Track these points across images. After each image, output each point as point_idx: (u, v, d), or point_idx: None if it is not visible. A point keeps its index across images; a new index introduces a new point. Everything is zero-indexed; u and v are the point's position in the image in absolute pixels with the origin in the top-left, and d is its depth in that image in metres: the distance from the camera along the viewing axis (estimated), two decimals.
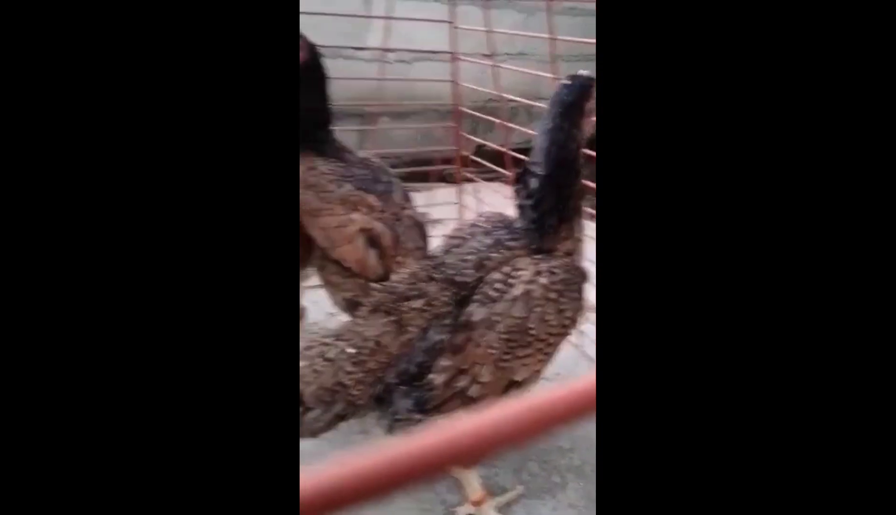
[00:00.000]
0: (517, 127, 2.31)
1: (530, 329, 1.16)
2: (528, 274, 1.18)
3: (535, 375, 1.23)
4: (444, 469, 0.29)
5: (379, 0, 3.07)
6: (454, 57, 2.46)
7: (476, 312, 1.17)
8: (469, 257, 1.23)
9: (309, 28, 1.59)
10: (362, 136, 2.94)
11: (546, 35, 1.96)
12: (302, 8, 2.10)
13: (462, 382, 1.16)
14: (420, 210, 1.76)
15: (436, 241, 1.54)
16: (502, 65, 2.32)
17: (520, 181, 1.28)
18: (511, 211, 1.34)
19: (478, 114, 2.47)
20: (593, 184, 1.27)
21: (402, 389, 1.16)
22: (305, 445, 1.33)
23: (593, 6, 0.76)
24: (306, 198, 1.55)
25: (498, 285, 1.18)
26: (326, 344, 1.17)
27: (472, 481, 1.31)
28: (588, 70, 1.24)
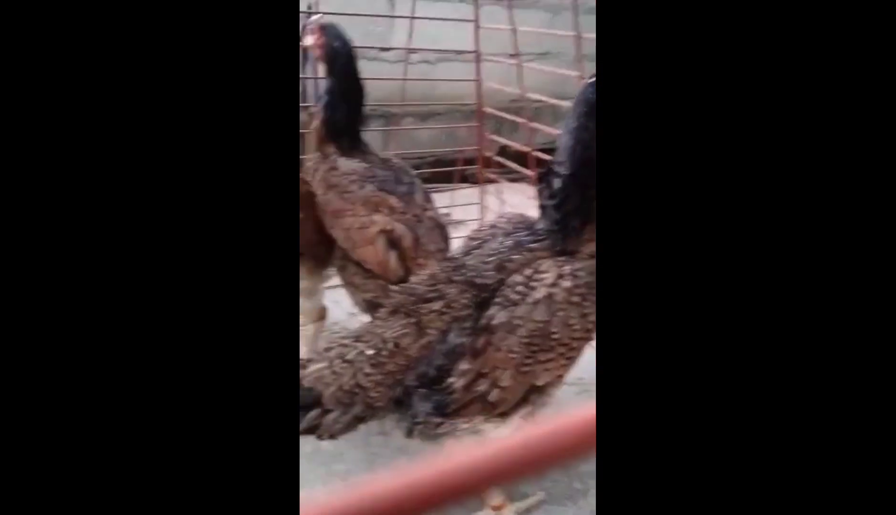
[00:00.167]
0: (541, 126, 2.28)
1: (553, 333, 1.13)
2: (550, 276, 1.15)
3: (557, 380, 1.20)
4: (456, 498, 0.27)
5: (404, 1, 3.07)
6: (478, 57, 2.44)
7: (497, 315, 1.14)
8: (489, 259, 1.21)
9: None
10: (386, 137, 2.94)
11: (572, 34, 1.93)
12: (326, 8, 2.11)
13: (482, 386, 1.14)
14: (442, 211, 1.75)
15: (457, 243, 1.52)
16: (527, 64, 2.30)
17: (543, 181, 1.25)
18: (534, 212, 1.32)
19: (502, 114, 2.45)
20: None
21: (422, 392, 1.15)
22: (325, 446, 1.34)
23: None
24: (329, 198, 1.55)
25: (519, 288, 1.16)
26: (346, 346, 1.16)
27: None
28: None
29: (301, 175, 1.69)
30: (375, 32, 3.14)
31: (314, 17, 1.71)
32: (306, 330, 1.85)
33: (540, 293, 1.14)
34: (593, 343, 1.25)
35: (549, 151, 1.45)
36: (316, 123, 1.64)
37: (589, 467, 1.51)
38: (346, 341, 1.18)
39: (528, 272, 1.17)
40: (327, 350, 1.18)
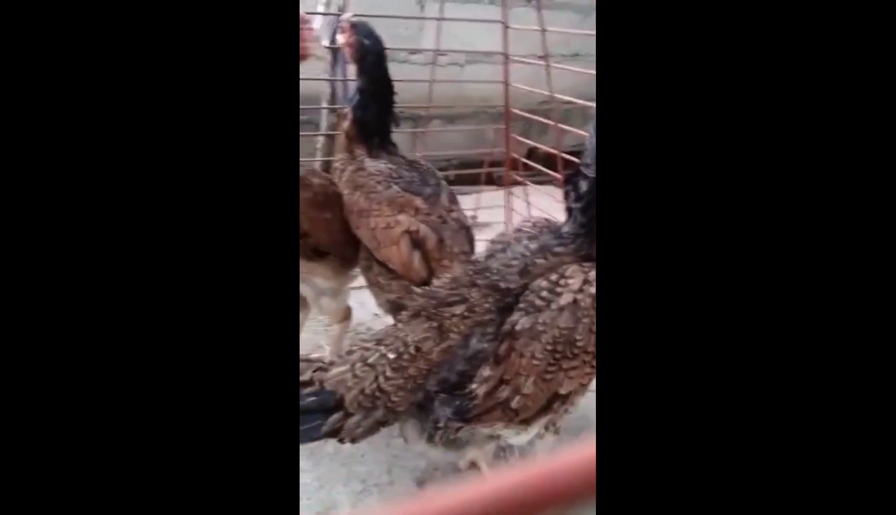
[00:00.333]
0: (571, 128, 2.24)
1: (577, 340, 1.10)
2: (576, 282, 1.12)
3: (581, 388, 1.17)
4: None
5: (433, 3, 3.07)
6: (507, 58, 2.42)
7: (520, 321, 1.12)
8: (513, 263, 1.19)
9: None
10: (413, 139, 2.95)
11: None
12: (355, 10, 2.12)
13: (504, 393, 1.12)
14: (468, 213, 1.74)
15: (482, 245, 1.51)
16: (557, 66, 2.27)
17: (570, 183, 1.22)
18: (562, 215, 1.29)
19: (530, 116, 2.42)
20: None
21: (443, 397, 1.13)
22: (347, 447, 1.34)
23: None
24: (355, 198, 1.56)
25: (544, 293, 1.14)
26: (367, 349, 1.16)
27: None
28: None
29: (328, 175, 1.70)
30: (404, 35, 3.14)
31: (345, 16, 1.72)
32: (331, 331, 1.86)
33: (565, 299, 1.11)
34: None
35: (579, 154, 1.42)
36: (345, 124, 1.65)
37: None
38: (367, 344, 1.18)
39: (553, 277, 1.15)
40: (349, 353, 1.17)
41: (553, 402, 1.15)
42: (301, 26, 1.38)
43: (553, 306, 1.11)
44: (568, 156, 2.15)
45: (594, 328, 1.11)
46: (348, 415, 1.11)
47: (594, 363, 1.15)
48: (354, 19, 1.63)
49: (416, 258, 1.45)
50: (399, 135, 1.71)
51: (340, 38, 1.63)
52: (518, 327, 1.12)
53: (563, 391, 1.14)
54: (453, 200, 1.63)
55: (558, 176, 2.21)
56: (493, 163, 2.69)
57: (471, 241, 1.59)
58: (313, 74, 2.33)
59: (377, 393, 1.11)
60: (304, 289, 1.72)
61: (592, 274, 1.14)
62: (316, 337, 2.04)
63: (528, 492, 0.28)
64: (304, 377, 1.19)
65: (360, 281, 1.73)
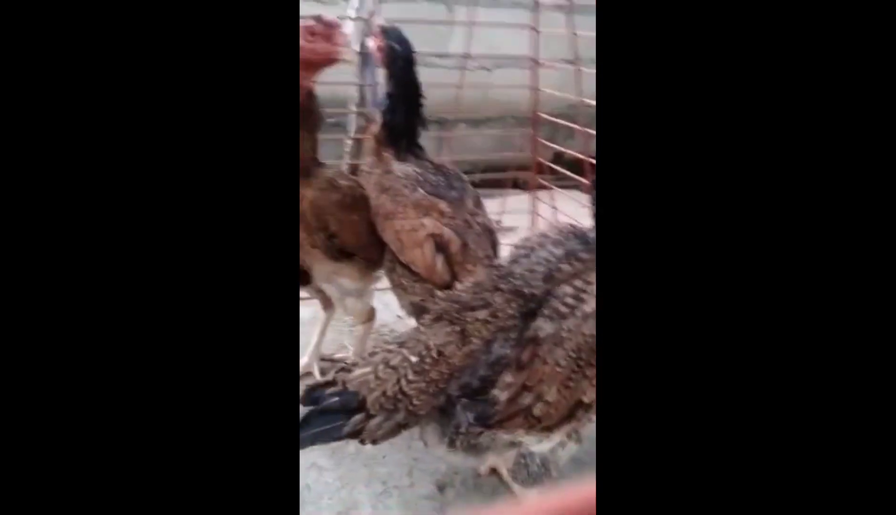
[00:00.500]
0: None
1: None
2: None
3: None
4: None
5: (462, 7, 3.08)
6: (535, 63, 2.41)
7: (544, 327, 1.11)
8: (538, 268, 1.18)
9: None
10: (440, 143, 2.96)
11: None
12: (386, 15, 2.14)
13: (526, 400, 1.11)
14: (492, 217, 1.73)
15: (507, 250, 1.50)
16: (586, 70, 2.25)
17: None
18: (588, 220, 1.28)
19: (557, 120, 2.40)
20: None
21: (465, 402, 1.13)
22: (368, 448, 1.35)
23: None
24: (381, 201, 1.57)
25: (568, 299, 1.12)
26: (390, 351, 1.16)
27: None
28: None
29: (356, 178, 1.72)
30: (434, 39, 3.16)
31: (376, 21, 1.74)
32: (355, 331, 1.87)
33: (590, 306, 1.10)
34: None
35: None
36: (374, 127, 1.67)
37: None
38: (390, 346, 1.18)
39: (578, 283, 1.14)
40: (372, 354, 1.18)
41: (576, 410, 1.14)
42: (332, 31, 1.40)
43: (577, 313, 1.10)
44: (595, 161, 2.13)
45: None
46: (370, 417, 1.12)
47: None
48: (385, 24, 1.65)
49: (440, 261, 1.45)
50: (426, 139, 1.71)
51: (370, 43, 1.65)
52: (542, 333, 1.11)
53: (586, 399, 1.12)
54: (478, 204, 1.63)
55: (585, 181, 2.19)
56: (520, 168, 2.68)
57: (495, 246, 1.59)
58: (342, 78, 2.36)
59: (399, 396, 1.11)
60: (330, 290, 1.74)
61: None
62: (340, 337, 2.06)
63: None
64: (327, 377, 1.20)
65: (385, 282, 1.74)
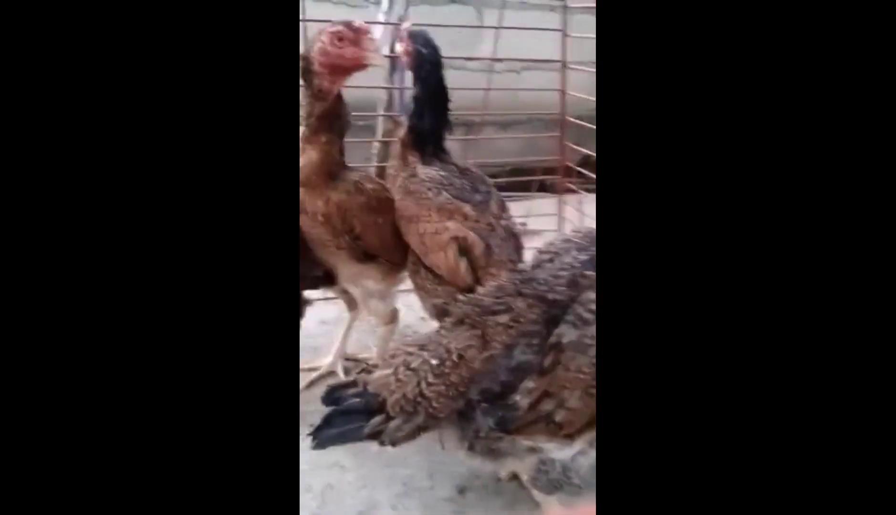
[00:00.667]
0: None
1: None
2: None
3: None
4: None
5: (492, 11, 3.07)
6: (564, 66, 2.39)
7: (567, 333, 1.10)
8: (562, 274, 1.17)
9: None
10: (467, 146, 2.96)
11: None
12: (415, 20, 2.16)
13: (548, 406, 1.10)
14: (518, 221, 1.73)
15: (531, 254, 1.49)
16: None
17: None
18: None
19: (585, 123, 2.38)
20: None
21: (485, 406, 1.13)
22: (391, 449, 1.36)
23: None
24: (406, 203, 1.58)
25: (593, 306, 1.11)
26: (411, 354, 1.17)
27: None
28: None
29: (381, 181, 1.73)
30: (463, 42, 3.17)
31: (404, 25, 1.75)
32: (379, 332, 1.89)
33: None
34: None
35: None
36: (401, 131, 1.68)
37: None
38: (411, 349, 1.19)
39: None
40: (393, 357, 1.19)
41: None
42: (361, 36, 1.41)
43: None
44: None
45: None
46: (390, 418, 1.12)
47: None
48: (413, 28, 1.66)
49: (463, 265, 1.46)
50: (454, 141, 1.72)
51: (398, 47, 1.67)
52: (564, 340, 1.10)
53: None
54: (503, 208, 1.62)
55: None
56: (546, 171, 2.67)
57: (519, 250, 1.58)
58: (371, 82, 2.38)
59: (419, 399, 1.12)
60: (354, 291, 1.76)
61: None
62: (364, 338, 2.08)
63: None
64: (349, 377, 1.22)
65: (409, 284, 1.75)
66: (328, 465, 1.54)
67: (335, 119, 1.50)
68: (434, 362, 1.13)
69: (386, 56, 2.21)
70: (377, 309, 1.77)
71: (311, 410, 1.31)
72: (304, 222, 1.57)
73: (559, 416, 1.10)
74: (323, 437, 1.13)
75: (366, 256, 1.63)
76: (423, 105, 1.61)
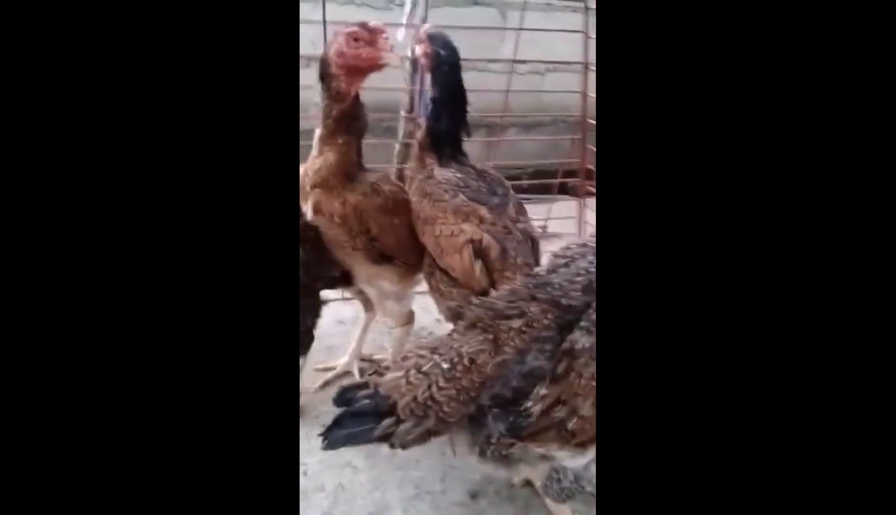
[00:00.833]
0: None
1: None
2: None
3: None
4: None
5: (515, 13, 3.05)
6: (587, 67, 2.36)
7: (581, 340, 1.08)
8: (577, 279, 1.15)
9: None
10: (489, 148, 2.94)
11: None
12: (439, 20, 2.15)
13: (560, 413, 1.08)
14: (536, 224, 1.70)
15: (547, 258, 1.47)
16: None
17: None
18: None
19: None
20: None
21: (496, 412, 1.11)
22: (403, 453, 1.36)
23: None
24: (422, 205, 1.58)
25: None
26: (422, 357, 1.16)
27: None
28: None
29: (399, 182, 1.73)
30: (487, 44, 3.15)
31: (423, 27, 1.75)
32: (394, 333, 1.89)
33: None
34: None
35: None
36: (419, 133, 1.68)
37: None
38: (422, 352, 1.18)
39: None
40: (404, 359, 1.18)
41: None
42: (377, 36, 1.41)
43: None
44: None
45: None
46: (400, 421, 1.12)
47: None
48: (432, 30, 1.66)
49: (478, 267, 1.44)
50: (476, 143, 1.71)
51: (417, 49, 1.67)
52: (578, 346, 1.08)
53: None
54: (521, 211, 1.60)
55: None
56: (567, 174, 2.63)
57: (536, 253, 1.56)
58: (393, 84, 2.39)
59: (429, 402, 1.11)
60: (370, 292, 1.76)
61: None
62: (380, 338, 2.08)
63: None
64: (362, 379, 1.22)
65: (425, 286, 1.75)
66: (341, 465, 1.54)
67: (353, 120, 1.50)
68: (445, 366, 1.12)
69: (407, 58, 2.21)
70: (392, 311, 1.76)
71: (325, 410, 1.32)
72: (322, 223, 1.58)
73: (572, 424, 1.08)
74: (333, 438, 1.13)
75: (382, 257, 1.64)
76: (441, 106, 1.60)
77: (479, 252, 1.45)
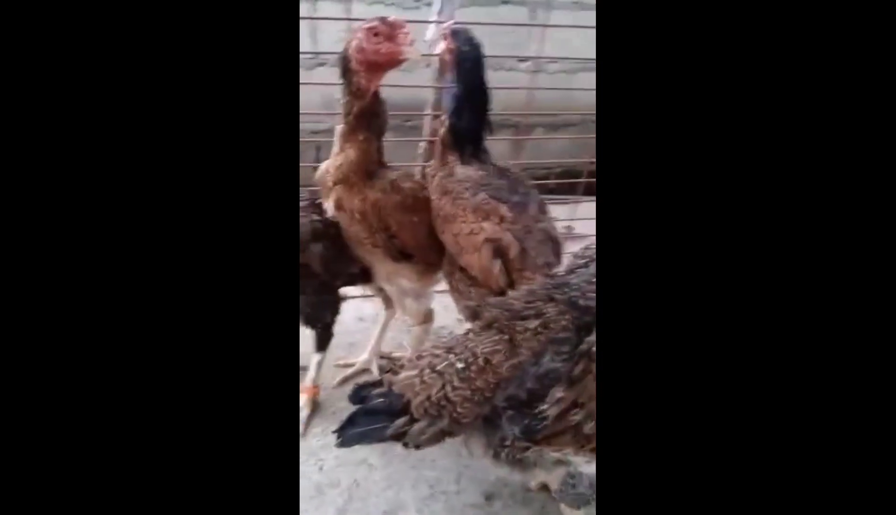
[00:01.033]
0: None
1: None
2: None
3: None
4: None
5: (544, 11, 3.01)
6: None
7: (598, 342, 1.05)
8: (595, 279, 1.12)
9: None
10: (515, 146, 2.91)
11: None
12: (466, 18, 2.14)
13: (576, 417, 1.05)
14: (559, 224, 1.67)
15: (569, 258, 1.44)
16: None
17: None
18: None
19: None
20: None
21: (511, 414, 1.09)
22: (418, 452, 1.35)
23: None
24: (442, 203, 1.56)
25: None
26: (437, 356, 1.15)
27: None
28: None
29: (420, 180, 1.72)
30: (514, 43, 3.12)
31: (447, 23, 1.73)
32: (413, 331, 1.88)
33: None
34: None
35: None
36: (442, 130, 1.67)
37: None
38: (438, 351, 1.17)
39: None
40: (419, 358, 1.17)
41: None
42: (396, 31, 1.41)
43: None
44: None
45: None
46: (413, 421, 1.11)
47: None
48: (455, 27, 1.64)
49: (497, 266, 1.42)
50: (502, 142, 1.68)
51: (441, 46, 1.65)
52: (595, 348, 1.05)
53: None
54: (543, 210, 1.57)
55: None
56: (593, 174, 2.58)
57: (557, 254, 1.52)
58: (419, 82, 2.38)
59: (443, 402, 1.10)
60: (390, 290, 1.76)
61: None
62: (399, 336, 2.08)
63: None
64: (376, 376, 1.21)
65: (445, 284, 1.73)
66: (356, 462, 1.54)
67: (373, 117, 1.50)
68: (460, 366, 1.11)
69: (433, 55, 2.20)
70: (412, 309, 1.76)
71: (343, 406, 1.32)
72: (343, 219, 1.58)
73: (588, 428, 1.05)
74: (347, 436, 1.12)
75: (401, 255, 1.63)
76: (463, 104, 1.58)
77: (499, 251, 1.42)
